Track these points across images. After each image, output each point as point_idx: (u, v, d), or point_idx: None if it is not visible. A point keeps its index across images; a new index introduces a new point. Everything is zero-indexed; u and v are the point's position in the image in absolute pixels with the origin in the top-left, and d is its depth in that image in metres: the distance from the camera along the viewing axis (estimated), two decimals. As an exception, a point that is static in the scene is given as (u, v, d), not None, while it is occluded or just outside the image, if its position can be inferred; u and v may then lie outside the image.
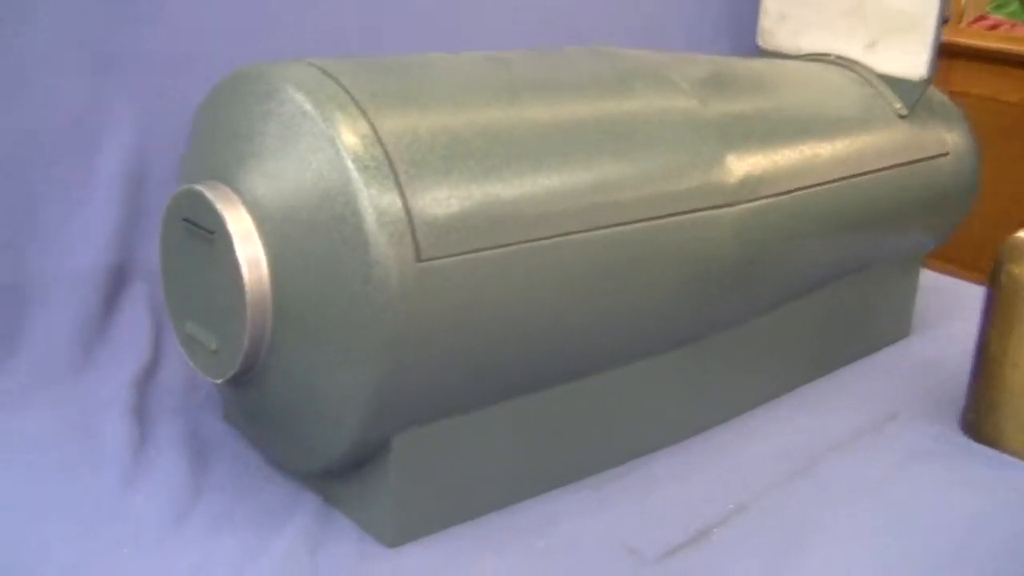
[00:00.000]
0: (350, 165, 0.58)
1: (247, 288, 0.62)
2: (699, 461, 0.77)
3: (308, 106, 0.60)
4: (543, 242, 0.64)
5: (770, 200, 0.78)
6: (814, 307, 0.90)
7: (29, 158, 0.82)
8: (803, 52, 1.02)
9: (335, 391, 0.62)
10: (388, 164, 0.59)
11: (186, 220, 0.65)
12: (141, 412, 0.76)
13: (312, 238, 0.60)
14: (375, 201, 0.58)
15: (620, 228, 0.68)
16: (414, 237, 0.59)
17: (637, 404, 0.77)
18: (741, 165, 0.77)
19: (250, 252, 0.62)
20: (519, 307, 0.64)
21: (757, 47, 1.05)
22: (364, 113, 0.60)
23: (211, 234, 0.63)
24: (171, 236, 0.68)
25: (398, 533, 0.66)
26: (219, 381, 0.66)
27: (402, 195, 0.59)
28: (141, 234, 0.86)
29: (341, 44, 0.91)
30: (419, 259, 0.59)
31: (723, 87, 0.82)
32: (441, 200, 0.60)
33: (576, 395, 0.72)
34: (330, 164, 0.59)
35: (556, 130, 0.68)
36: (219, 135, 0.66)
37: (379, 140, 0.60)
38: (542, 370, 0.68)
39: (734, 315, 0.80)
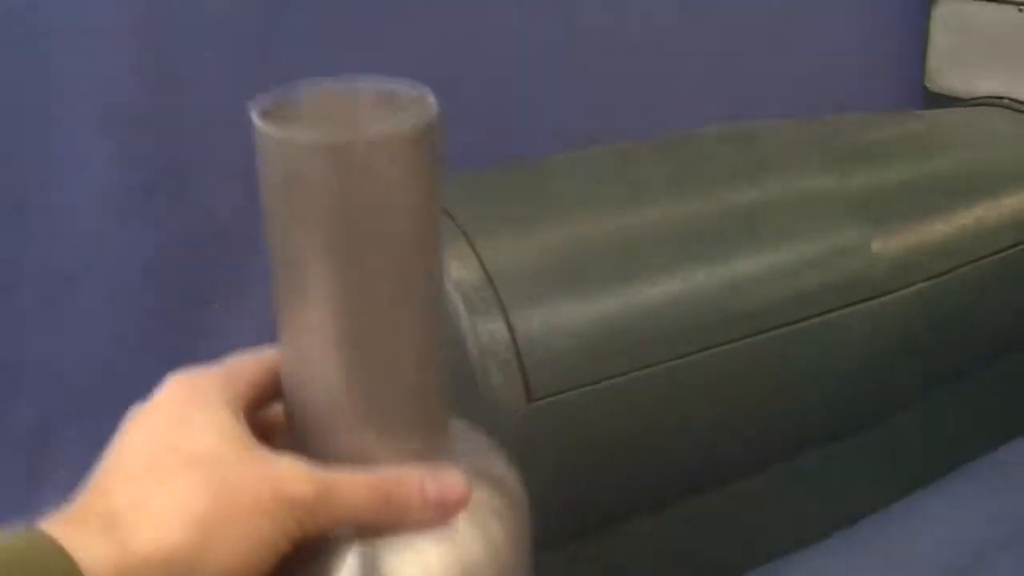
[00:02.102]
0: (457, 301, 0.58)
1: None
2: (847, 556, 0.73)
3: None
4: (665, 364, 0.62)
5: (926, 284, 0.73)
6: (984, 380, 0.84)
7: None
8: (976, 95, 0.94)
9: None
10: (496, 298, 0.58)
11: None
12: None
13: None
14: (482, 340, 0.57)
15: (751, 339, 0.65)
16: (524, 375, 0.58)
17: (782, 504, 0.73)
18: (889, 247, 0.72)
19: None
20: (642, 431, 0.62)
21: (923, 89, 0.99)
22: (471, 243, 0.60)
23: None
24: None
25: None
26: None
27: (511, 331, 0.58)
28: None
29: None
30: (530, 399, 0.58)
31: (869, 156, 0.77)
32: (551, 332, 0.59)
33: (708, 504, 0.69)
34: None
35: (681, 236, 0.65)
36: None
37: (487, 273, 0.59)
38: (665, 491, 0.66)
39: (884, 410, 0.76)
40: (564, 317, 0.59)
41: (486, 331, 0.57)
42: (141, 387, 0.37)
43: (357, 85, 0.34)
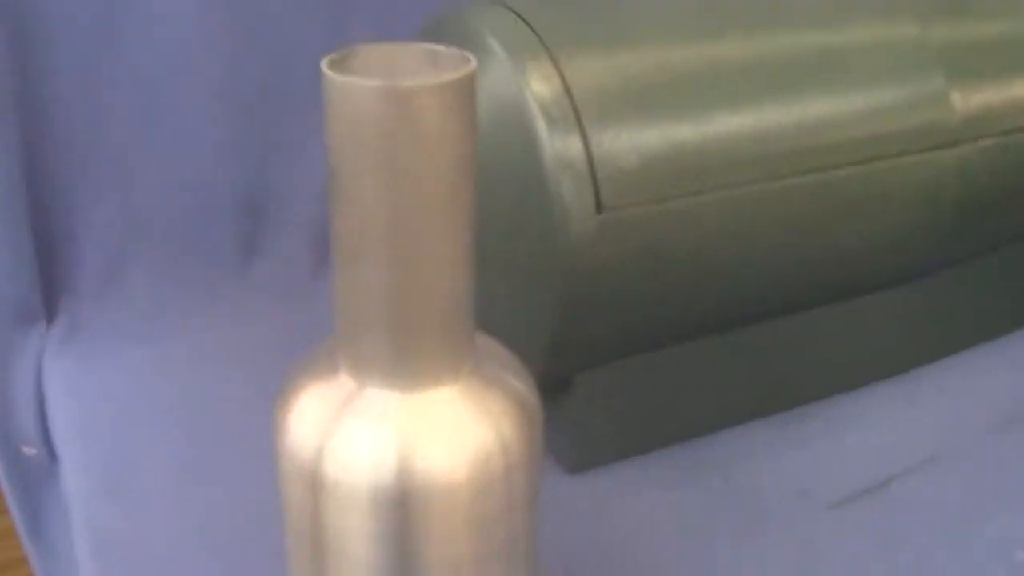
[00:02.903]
0: (537, 114, 0.60)
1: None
2: (889, 407, 0.76)
3: (501, 53, 0.62)
4: (730, 191, 0.64)
5: (999, 139, 0.74)
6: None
7: (273, 84, 0.88)
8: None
9: (519, 330, 0.65)
10: (574, 114, 0.60)
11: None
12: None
13: (500, 183, 0.63)
14: (557, 152, 0.60)
15: (826, 173, 0.66)
16: (595, 188, 0.60)
17: (828, 346, 0.76)
18: (967, 100, 0.72)
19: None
20: (704, 256, 0.65)
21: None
22: (555, 61, 0.62)
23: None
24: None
25: (578, 461, 0.70)
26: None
27: (586, 146, 0.60)
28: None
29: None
30: (599, 210, 0.60)
31: (954, 10, 0.76)
32: (625, 150, 0.61)
33: (762, 336, 0.72)
34: (518, 112, 0.61)
35: (759, 70, 0.67)
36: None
37: (567, 90, 0.61)
38: (728, 316, 0.69)
39: (946, 260, 0.77)
40: (637, 137, 0.61)
41: (562, 144, 0.60)
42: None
43: (409, 46, 0.44)
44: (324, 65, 0.41)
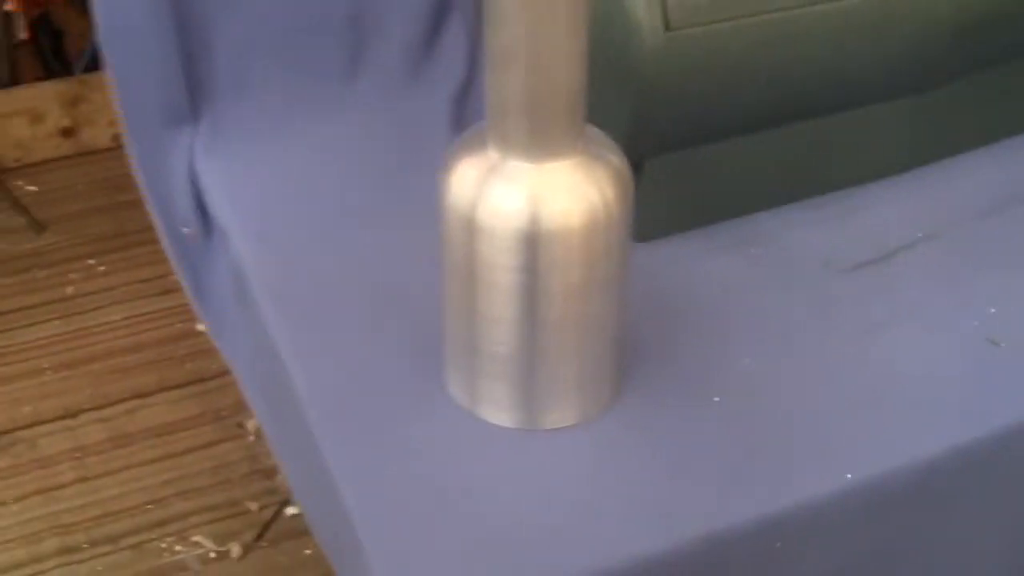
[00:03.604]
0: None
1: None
2: (896, 195, 0.92)
3: None
4: (774, 15, 0.78)
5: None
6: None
7: None
8: None
9: (602, 121, 0.81)
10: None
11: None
12: (459, 124, 0.99)
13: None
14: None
15: (840, 2, 0.80)
16: (664, 9, 0.74)
17: (856, 141, 0.91)
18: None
19: None
20: (749, 67, 0.79)
21: None
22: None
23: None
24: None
25: (643, 231, 0.86)
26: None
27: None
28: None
29: None
30: (668, 28, 0.75)
31: None
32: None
33: (795, 134, 0.87)
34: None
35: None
36: None
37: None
38: (767, 115, 0.84)
39: (945, 75, 0.91)
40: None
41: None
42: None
43: None
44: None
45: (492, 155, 0.62)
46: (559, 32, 0.58)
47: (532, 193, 0.61)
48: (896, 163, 0.95)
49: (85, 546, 1.50)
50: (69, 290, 1.91)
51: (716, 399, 0.71)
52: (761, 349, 0.76)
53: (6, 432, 1.67)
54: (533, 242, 0.62)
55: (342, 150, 0.95)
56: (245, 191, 0.91)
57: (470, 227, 0.62)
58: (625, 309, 0.69)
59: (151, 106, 0.95)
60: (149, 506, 1.56)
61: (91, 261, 1.94)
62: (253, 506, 1.54)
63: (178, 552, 1.50)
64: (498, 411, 0.69)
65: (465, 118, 1.00)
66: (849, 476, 0.67)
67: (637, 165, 0.83)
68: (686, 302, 0.81)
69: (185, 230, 0.96)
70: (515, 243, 0.62)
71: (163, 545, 1.51)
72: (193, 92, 0.97)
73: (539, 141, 0.61)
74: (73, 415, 1.72)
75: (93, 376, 1.79)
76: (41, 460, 1.64)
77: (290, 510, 1.47)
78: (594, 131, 0.65)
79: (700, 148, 0.84)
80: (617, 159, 0.65)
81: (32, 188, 2.13)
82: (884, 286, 0.82)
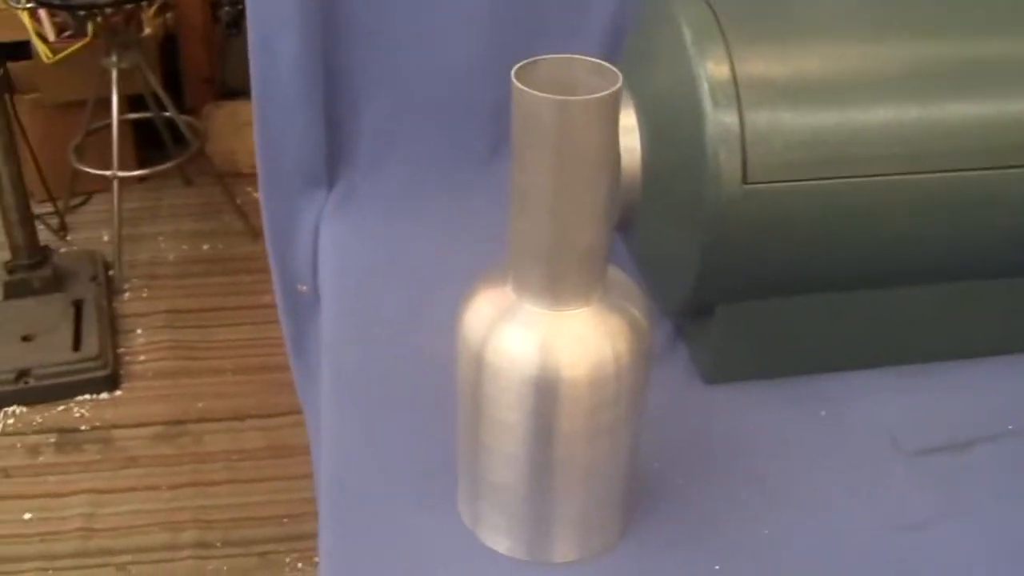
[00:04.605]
0: (706, 96, 0.73)
1: (623, 170, 0.81)
2: (994, 378, 0.85)
3: (689, 37, 0.75)
4: (866, 179, 0.75)
5: None
6: None
7: (528, 11, 1.04)
8: None
9: (675, 263, 0.81)
10: (737, 100, 0.73)
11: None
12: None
13: (671, 144, 0.77)
14: (718, 130, 0.73)
15: (953, 175, 0.76)
16: (744, 162, 0.73)
17: (945, 315, 0.85)
18: None
19: (629, 143, 0.81)
20: (830, 231, 0.76)
21: None
22: (729, 50, 0.74)
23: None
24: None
25: (714, 374, 0.85)
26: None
27: (741, 126, 0.73)
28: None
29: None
30: (745, 181, 0.73)
31: None
32: (775, 132, 0.73)
33: (880, 297, 0.83)
34: (694, 90, 0.74)
35: (912, 73, 0.76)
36: (638, 45, 0.84)
37: (735, 79, 0.74)
38: (848, 279, 0.81)
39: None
40: (789, 122, 0.74)
41: (722, 122, 0.73)
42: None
43: (578, 60, 0.61)
44: (513, 75, 0.57)
45: (509, 294, 0.64)
46: (582, 183, 0.59)
47: (542, 340, 0.63)
48: (988, 345, 0.88)
49: (218, 544, 1.60)
50: (266, 299, 2.05)
51: (717, 567, 0.69)
52: (786, 520, 0.73)
53: (177, 423, 1.82)
54: (538, 388, 0.63)
55: (467, 239, 0.98)
56: (354, 262, 0.97)
57: (479, 363, 0.64)
58: (635, 453, 0.69)
59: (290, 163, 1.02)
60: (286, 519, 1.65)
61: (290, 276, 2.08)
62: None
63: (299, 570, 1.59)
64: (496, 536, 0.70)
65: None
66: None
67: (710, 308, 0.82)
68: (728, 451, 0.79)
69: (301, 287, 1.03)
70: (520, 386, 0.63)
71: (287, 559, 1.59)
72: (331, 159, 1.04)
73: (555, 288, 0.62)
74: (240, 418, 1.85)
75: (264, 385, 1.91)
76: (201, 455, 1.77)
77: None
78: (620, 277, 0.66)
79: (773, 300, 0.81)
80: (637, 310, 0.65)
81: (258, 196, 2.30)
82: (950, 478, 0.77)
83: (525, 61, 0.59)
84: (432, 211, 1.03)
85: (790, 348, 0.84)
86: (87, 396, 1.87)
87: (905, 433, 0.80)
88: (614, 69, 0.58)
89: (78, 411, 1.84)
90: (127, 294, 2.14)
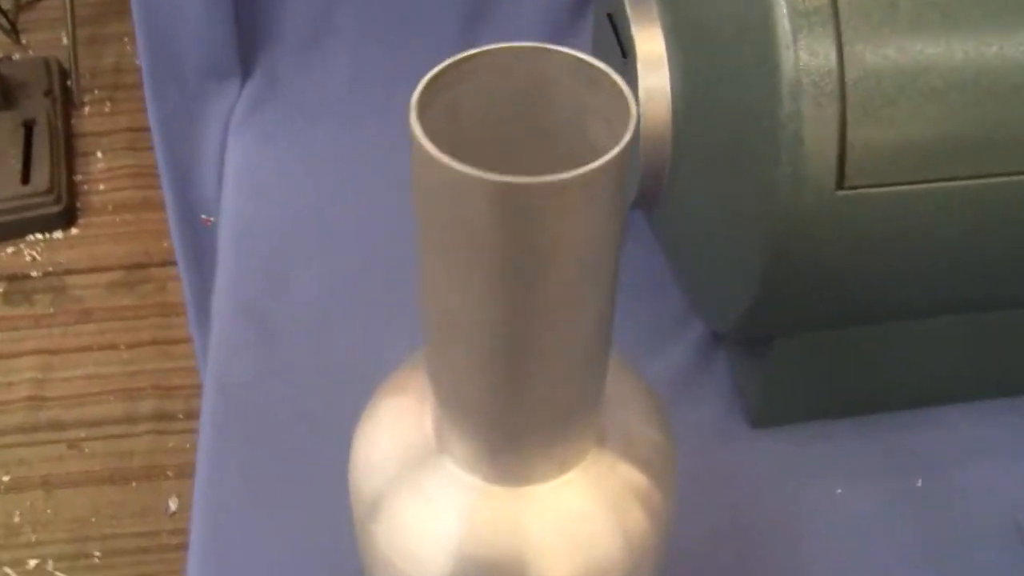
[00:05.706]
0: (786, 31, 0.44)
1: (644, 122, 0.52)
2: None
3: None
4: (979, 181, 0.46)
5: None
6: None
7: None
8: None
9: (722, 276, 0.53)
10: (837, 38, 0.44)
11: (608, 16, 0.55)
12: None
13: (722, 99, 0.48)
14: (801, 93, 0.44)
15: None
16: (842, 153, 0.45)
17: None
18: None
19: (655, 82, 0.52)
20: (931, 245, 0.49)
21: None
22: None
23: (623, 59, 0.53)
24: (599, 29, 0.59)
25: (761, 416, 0.59)
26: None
27: (842, 89, 0.44)
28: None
29: None
30: (841, 186, 0.45)
31: None
32: (878, 131, 0.45)
33: (971, 324, 0.56)
34: (765, 19, 0.45)
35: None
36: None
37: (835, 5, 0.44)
38: (938, 305, 0.53)
39: None
40: (894, 119, 0.44)
41: (811, 79, 0.44)
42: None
43: (551, 52, 0.30)
44: (414, 104, 0.29)
45: (426, 443, 0.38)
46: (549, 313, 0.32)
47: (484, 535, 0.37)
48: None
49: (180, 416, 1.43)
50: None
51: None
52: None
53: (139, 266, 1.61)
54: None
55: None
56: (268, 200, 0.69)
57: (371, 540, 0.38)
58: None
59: (186, 44, 0.73)
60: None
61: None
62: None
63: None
64: None
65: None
66: None
67: (767, 340, 0.55)
68: (791, 531, 0.55)
69: (205, 219, 0.76)
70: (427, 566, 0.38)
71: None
72: (247, 35, 0.75)
73: (506, 462, 0.37)
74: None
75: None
76: (164, 306, 1.57)
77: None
78: (621, 407, 0.39)
79: (842, 332, 0.55)
80: (643, 473, 0.38)
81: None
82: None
83: (456, 57, 0.31)
84: (387, 113, 0.74)
85: (855, 388, 0.58)
86: (38, 235, 1.64)
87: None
88: (619, 81, 0.29)
89: (28, 253, 1.62)
90: (87, 108, 1.85)
